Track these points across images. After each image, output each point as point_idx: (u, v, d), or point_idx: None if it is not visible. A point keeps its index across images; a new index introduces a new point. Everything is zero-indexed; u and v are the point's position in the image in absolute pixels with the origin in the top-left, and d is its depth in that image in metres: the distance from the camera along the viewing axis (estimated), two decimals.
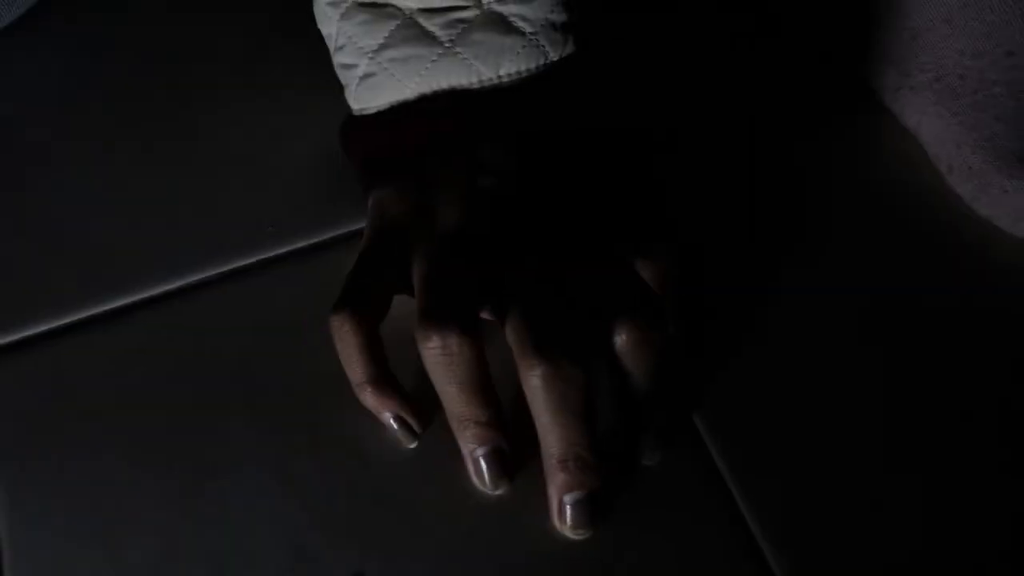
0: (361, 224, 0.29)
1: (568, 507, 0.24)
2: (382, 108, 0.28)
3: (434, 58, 0.27)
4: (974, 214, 0.32)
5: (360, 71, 0.28)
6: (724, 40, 0.35)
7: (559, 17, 0.27)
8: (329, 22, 0.28)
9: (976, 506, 0.26)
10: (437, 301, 0.24)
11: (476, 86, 0.27)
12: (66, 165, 0.32)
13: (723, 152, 0.32)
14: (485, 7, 0.27)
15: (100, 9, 0.35)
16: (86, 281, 0.29)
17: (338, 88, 0.29)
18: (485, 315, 0.26)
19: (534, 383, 0.23)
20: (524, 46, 0.27)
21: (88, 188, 0.31)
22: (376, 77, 0.27)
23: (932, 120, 0.33)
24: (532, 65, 0.27)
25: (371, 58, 0.27)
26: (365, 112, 0.28)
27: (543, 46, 0.27)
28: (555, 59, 0.27)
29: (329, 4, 0.28)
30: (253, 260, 0.29)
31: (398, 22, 0.27)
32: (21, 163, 0.32)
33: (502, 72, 0.27)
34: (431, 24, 0.27)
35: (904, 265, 0.30)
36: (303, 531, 0.25)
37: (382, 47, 0.27)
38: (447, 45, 0.27)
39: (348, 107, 0.29)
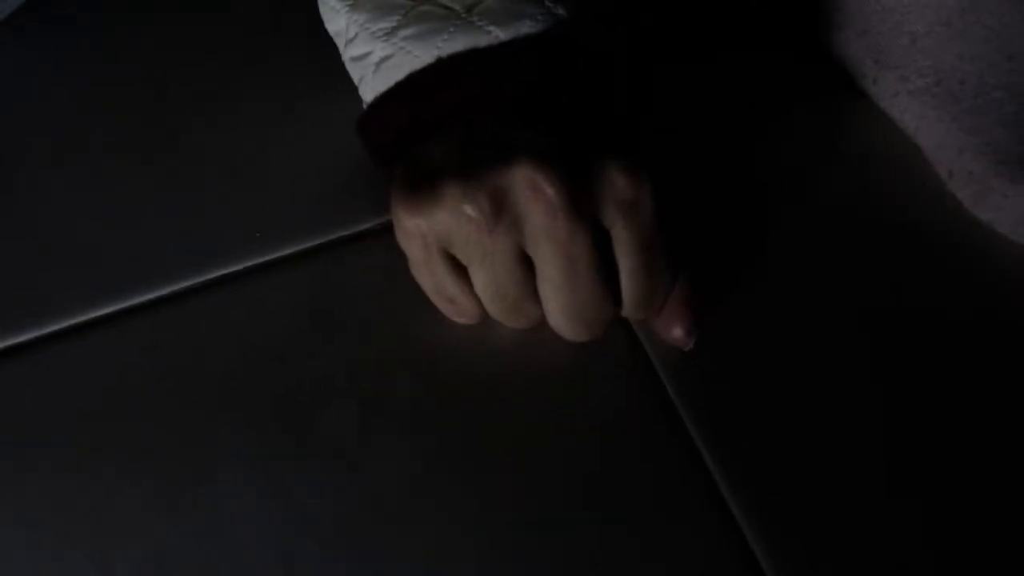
0: (349, 231, 0.29)
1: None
2: (399, 80, 0.26)
3: (451, 29, 0.26)
4: (975, 219, 0.31)
5: (375, 56, 0.27)
6: (719, 43, 0.35)
7: None
8: (337, 17, 0.28)
9: (977, 514, 0.25)
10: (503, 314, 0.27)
11: (495, 44, 0.26)
12: (52, 171, 0.31)
13: (715, 157, 0.32)
14: None
15: (89, 12, 0.35)
16: (72, 288, 0.28)
17: (329, 94, 0.29)
18: None
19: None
20: (543, 13, 0.26)
21: (73, 194, 0.30)
22: (393, 58, 0.26)
23: (932, 125, 0.33)
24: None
25: (385, 40, 0.26)
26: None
27: (560, 14, 0.26)
28: (567, 20, 0.26)
29: None
30: (241, 267, 0.28)
31: (413, 2, 0.26)
32: (7, 168, 0.31)
33: (520, 36, 0.26)
34: (447, 0, 0.26)
35: (903, 271, 0.30)
36: (293, 538, 0.25)
37: (395, 28, 0.26)
38: (464, 16, 0.26)
39: (339, 114, 0.29)
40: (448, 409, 0.27)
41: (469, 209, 0.24)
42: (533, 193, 0.24)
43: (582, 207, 0.24)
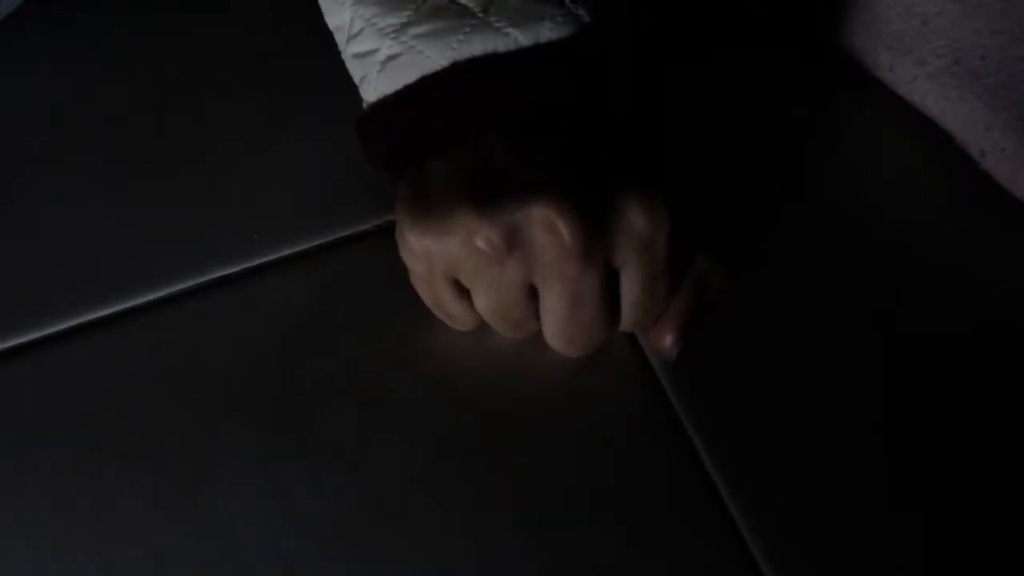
0: (348, 231, 0.29)
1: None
2: (409, 83, 0.25)
3: (467, 29, 0.24)
4: (974, 221, 0.30)
5: (382, 55, 0.25)
6: (718, 42, 0.35)
7: None
8: (340, 10, 0.26)
9: (978, 517, 0.24)
10: (503, 329, 0.26)
11: (513, 48, 0.24)
12: (51, 172, 0.32)
13: (713, 157, 0.31)
14: None
15: (89, 13, 0.36)
16: (72, 289, 0.29)
17: (328, 93, 0.29)
18: None
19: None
20: (563, 15, 0.25)
21: (72, 195, 0.31)
22: (402, 57, 0.25)
23: (955, 105, 0.31)
24: (569, 34, 0.25)
25: (394, 38, 0.25)
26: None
27: (580, 15, 0.25)
28: (588, 23, 0.25)
29: None
30: (240, 268, 0.29)
31: None
32: (6, 169, 0.32)
33: (541, 41, 0.25)
34: None
35: (904, 272, 0.28)
36: (293, 541, 0.24)
37: (406, 25, 0.25)
38: (480, 15, 0.24)
39: (337, 113, 0.29)
40: (447, 410, 0.26)
41: (480, 241, 0.23)
42: (549, 234, 0.23)
43: (596, 247, 0.24)
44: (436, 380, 0.27)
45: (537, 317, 0.26)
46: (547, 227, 0.23)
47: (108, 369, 0.27)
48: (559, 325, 0.25)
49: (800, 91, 0.33)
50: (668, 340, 0.27)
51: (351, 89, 0.27)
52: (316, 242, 0.29)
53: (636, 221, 0.24)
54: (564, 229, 0.23)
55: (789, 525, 0.24)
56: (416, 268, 0.25)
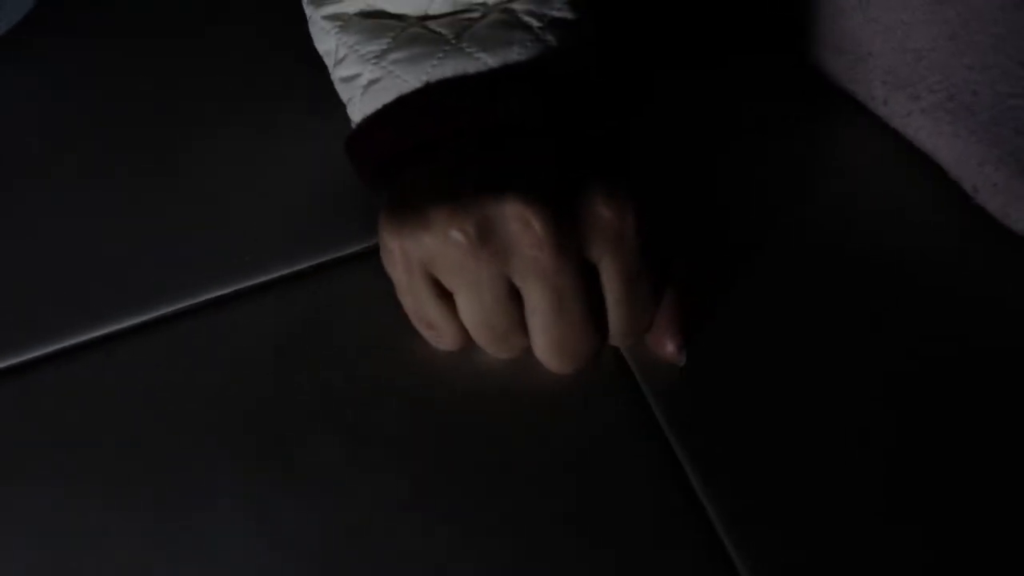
0: (339, 253, 0.29)
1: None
2: (387, 103, 0.27)
3: (440, 55, 0.26)
4: (971, 229, 0.30)
5: (364, 79, 0.27)
6: (720, 48, 0.35)
7: (568, 15, 0.27)
8: (327, 37, 0.28)
9: (975, 535, 0.24)
10: (490, 343, 0.26)
11: (484, 70, 0.26)
12: (42, 194, 0.32)
13: (712, 163, 0.32)
14: (491, 5, 0.27)
15: (93, 30, 0.36)
16: (61, 311, 0.29)
17: (319, 115, 0.30)
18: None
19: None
20: (532, 40, 0.26)
21: (63, 216, 0.31)
22: (382, 82, 0.27)
23: (949, 141, 0.31)
24: (537, 56, 0.27)
25: (375, 63, 0.27)
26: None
27: (548, 40, 0.27)
28: (557, 47, 0.27)
29: (326, 18, 0.28)
30: (230, 290, 0.29)
31: (403, 24, 0.27)
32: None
33: (509, 62, 0.26)
34: (436, 25, 0.27)
35: (900, 286, 0.29)
36: (279, 562, 0.24)
37: (385, 51, 0.27)
38: (453, 42, 0.26)
39: (328, 135, 0.29)
40: (435, 431, 0.26)
41: (455, 233, 0.24)
42: (522, 227, 0.24)
43: (569, 242, 0.24)
44: (424, 401, 0.27)
45: (523, 329, 0.26)
46: (520, 220, 0.24)
47: (96, 392, 0.27)
48: (547, 333, 0.25)
49: (800, 96, 0.33)
50: (670, 346, 0.27)
51: (343, 110, 0.27)
52: (307, 264, 0.29)
53: (603, 212, 0.24)
54: (536, 223, 0.24)
55: (774, 539, 0.24)
56: (395, 273, 0.26)
